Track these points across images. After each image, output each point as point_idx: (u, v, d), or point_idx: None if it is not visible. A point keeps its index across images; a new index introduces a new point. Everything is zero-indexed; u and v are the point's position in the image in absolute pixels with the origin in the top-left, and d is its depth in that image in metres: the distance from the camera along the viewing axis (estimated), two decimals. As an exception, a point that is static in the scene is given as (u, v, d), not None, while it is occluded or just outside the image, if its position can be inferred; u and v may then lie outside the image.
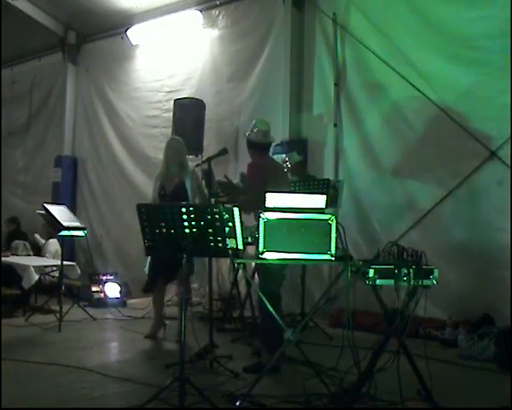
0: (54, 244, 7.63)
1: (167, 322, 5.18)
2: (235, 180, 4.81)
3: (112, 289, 6.75)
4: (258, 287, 3.88)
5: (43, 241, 7.91)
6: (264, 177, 4.16)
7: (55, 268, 6.60)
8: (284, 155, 5.69)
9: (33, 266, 6.29)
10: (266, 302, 3.50)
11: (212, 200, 4.59)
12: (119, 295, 6.70)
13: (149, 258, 5.08)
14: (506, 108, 4.92)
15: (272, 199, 3.21)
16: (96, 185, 9.07)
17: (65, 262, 5.98)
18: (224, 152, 4.32)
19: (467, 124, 5.21)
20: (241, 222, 3.03)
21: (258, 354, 4.23)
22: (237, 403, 3.18)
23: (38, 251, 7.83)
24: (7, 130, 10.26)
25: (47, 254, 7.53)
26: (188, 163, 5.13)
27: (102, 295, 6.67)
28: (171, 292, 6.44)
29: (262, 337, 4.09)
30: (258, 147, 4.33)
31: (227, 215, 2.96)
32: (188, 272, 4.91)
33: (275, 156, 5.84)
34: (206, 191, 4.82)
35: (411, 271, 3.15)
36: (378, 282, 3.13)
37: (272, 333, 3.78)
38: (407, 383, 3.18)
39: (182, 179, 4.90)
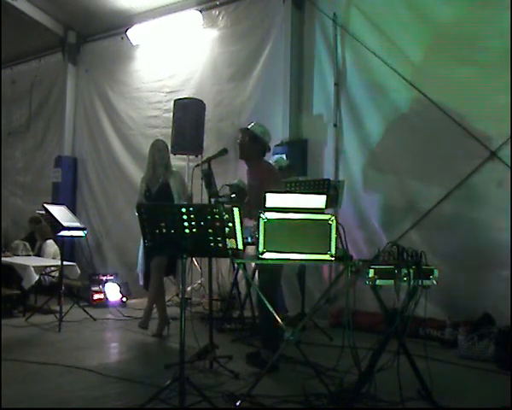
0: (51, 245, 7.63)
1: (171, 321, 5.19)
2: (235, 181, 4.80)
3: (112, 290, 6.77)
4: (258, 287, 3.88)
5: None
6: (279, 179, 4.22)
7: (54, 268, 6.61)
8: (274, 158, 5.70)
9: (33, 266, 6.29)
10: (266, 302, 3.50)
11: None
12: (119, 296, 6.72)
13: (140, 257, 5.17)
14: (506, 108, 4.91)
15: (272, 199, 3.21)
16: (96, 185, 9.06)
17: (65, 262, 5.98)
18: (223, 152, 4.31)
19: (467, 124, 5.21)
20: (241, 222, 3.03)
21: (252, 356, 4.22)
22: (237, 403, 3.19)
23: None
24: (7, 130, 10.26)
25: (45, 256, 7.52)
26: (171, 164, 5.29)
27: (102, 295, 6.69)
28: (171, 292, 6.47)
29: (262, 336, 4.10)
30: (264, 148, 4.31)
31: (227, 215, 2.96)
32: (163, 273, 5.06)
33: (273, 157, 5.87)
34: (190, 194, 5.16)
35: (411, 271, 3.15)
36: (378, 282, 3.13)
37: (272, 332, 3.78)
38: (407, 383, 3.18)
39: (166, 180, 5.07)
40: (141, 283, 5.30)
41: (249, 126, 4.32)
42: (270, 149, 4.45)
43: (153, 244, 3.14)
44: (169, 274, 5.31)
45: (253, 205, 4.05)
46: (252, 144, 4.25)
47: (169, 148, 5.50)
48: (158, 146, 5.19)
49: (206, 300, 5.70)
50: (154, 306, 5.19)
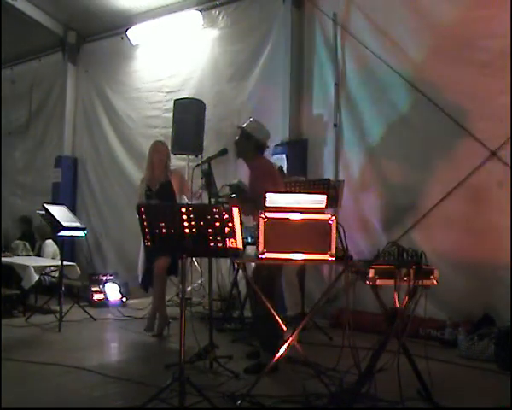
0: (51, 245, 7.62)
1: (171, 321, 5.19)
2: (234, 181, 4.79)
3: (112, 290, 6.77)
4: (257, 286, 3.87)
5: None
6: (276, 175, 4.24)
7: (54, 268, 6.60)
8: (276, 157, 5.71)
9: (33, 266, 6.29)
10: (266, 302, 3.50)
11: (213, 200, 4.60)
12: (119, 296, 6.73)
13: (141, 258, 5.17)
14: (506, 108, 4.91)
15: (272, 199, 3.21)
16: (96, 185, 9.06)
17: (65, 262, 5.98)
18: (224, 152, 4.31)
19: (467, 124, 5.21)
20: (241, 222, 3.03)
21: (253, 356, 4.22)
22: (237, 403, 3.19)
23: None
24: (7, 130, 10.25)
25: (44, 256, 7.51)
26: (170, 164, 5.32)
27: (102, 295, 6.70)
28: (171, 292, 6.47)
29: (261, 337, 4.09)
30: (261, 146, 4.31)
31: (227, 215, 2.96)
32: (166, 271, 5.07)
33: (274, 157, 5.88)
34: (189, 197, 5.16)
35: (411, 271, 3.15)
36: (378, 282, 3.13)
37: (271, 332, 3.78)
38: (407, 383, 3.18)
39: (167, 179, 5.11)
40: (139, 282, 5.31)
41: (244, 124, 4.32)
42: (268, 147, 4.44)
43: (152, 244, 3.14)
44: (171, 274, 5.31)
45: (251, 201, 4.04)
46: (246, 142, 4.25)
47: (169, 148, 5.50)
48: (157, 148, 5.22)
49: (206, 300, 5.71)
50: None
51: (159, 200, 5.00)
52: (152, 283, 5.16)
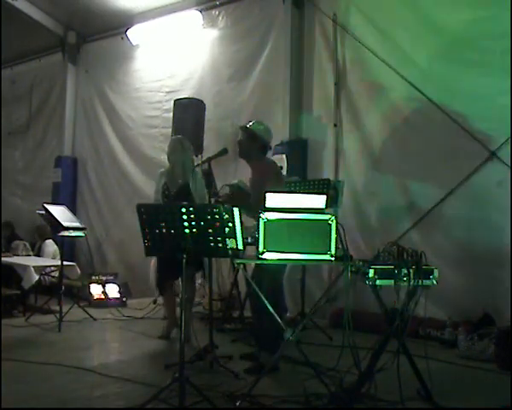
0: (51, 245, 7.62)
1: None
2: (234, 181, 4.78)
3: (112, 290, 6.77)
4: (258, 286, 3.87)
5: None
6: (280, 176, 4.28)
7: (54, 268, 6.60)
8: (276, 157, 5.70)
9: (33, 266, 6.29)
10: (266, 302, 3.50)
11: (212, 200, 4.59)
12: (118, 296, 6.73)
13: (153, 258, 5.09)
14: (506, 108, 4.92)
15: (272, 199, 3.21)
16: (96, 185, 9.07)
17: (65, 262, 5.98)
18: (224, 152, 4.31)
19: (467, 124, 5.21)
20: (241, 222, 3.03)
21: (247, 357, 4.21)
22: (237, 403, 3.19)
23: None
24: (7, 130, 10.25)
25: (44, 256, 7.51)
26: (190, 165, 4.94)
27: (103, 295, 6.70)
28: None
29: (261, 337, 4.09)
30: (265, 147, 4.31)
31: (227, 215, 2.96)
32: (189, 273, 4.96)
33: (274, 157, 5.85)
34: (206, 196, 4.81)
35: (411, 271, 3.15)
36: (378, 282, 3.13)
37: (271, 332, 3.77)
38: (407, 383, 3.18)
39: (186, 181, 4.85)
40: (156, 295, 5.18)
41: (249, 125, 4.33)
42: (271, 148, 4.45)
43: (152, 245, 3.13)
44: (198, 271, 5.18)
45: (254, 202, 4.02)
46: (251, 143, 4.26)
47: (185, 147, 4.99)
48: (171, 146, 4.95)
49: (206, 300, 5.71)
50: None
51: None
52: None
